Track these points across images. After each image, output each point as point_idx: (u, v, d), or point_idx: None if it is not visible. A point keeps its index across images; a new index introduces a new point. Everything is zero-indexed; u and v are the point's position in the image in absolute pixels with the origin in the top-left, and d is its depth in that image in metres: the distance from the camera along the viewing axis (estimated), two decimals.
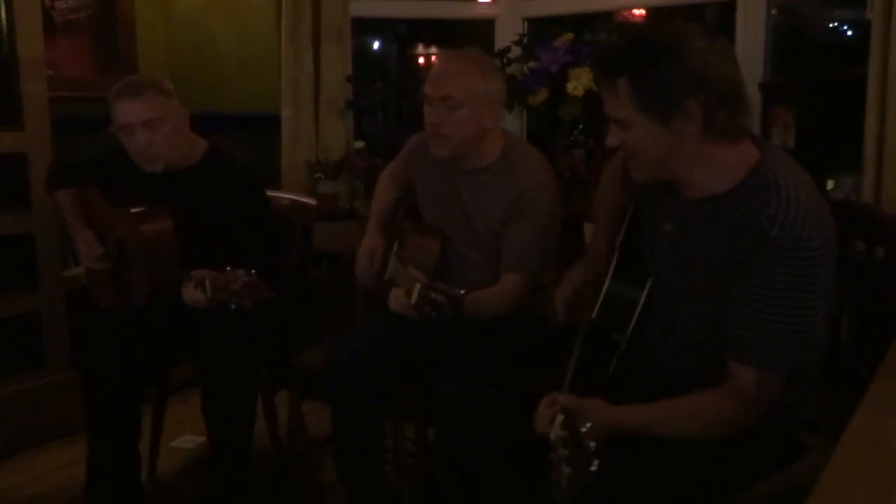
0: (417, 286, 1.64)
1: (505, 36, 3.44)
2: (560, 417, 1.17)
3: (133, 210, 2.17)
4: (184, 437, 2.78)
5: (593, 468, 1.09)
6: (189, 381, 2.41)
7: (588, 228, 2.57)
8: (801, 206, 1.29)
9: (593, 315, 1.54)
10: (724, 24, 3.03)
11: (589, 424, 1.14)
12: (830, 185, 2.62)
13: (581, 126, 3.13)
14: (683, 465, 1.36)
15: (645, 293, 1.50)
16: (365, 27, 4.14)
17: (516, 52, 3.36)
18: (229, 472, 2.21)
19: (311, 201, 2.73)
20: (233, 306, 1.91)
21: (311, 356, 2.31)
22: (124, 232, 2.21)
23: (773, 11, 2.95)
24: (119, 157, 2.24)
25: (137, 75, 2.36)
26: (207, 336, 2.19)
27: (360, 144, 3.52)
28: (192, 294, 2.03)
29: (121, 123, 2.13)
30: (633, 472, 1.34)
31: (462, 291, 1.62)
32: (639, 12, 3.27)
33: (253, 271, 1.89)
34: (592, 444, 1.11)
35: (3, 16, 2.60)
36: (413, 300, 1.64)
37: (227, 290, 1.90)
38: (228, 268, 1.91)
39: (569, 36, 3.22)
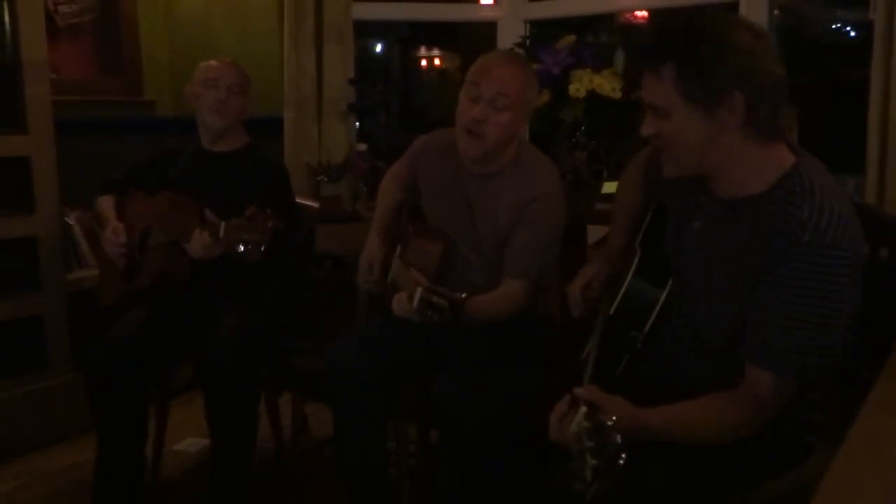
0: (419, 290, 1.64)
1: (507, 38, 3.44)
2: (583, 409, 1.15)
3: (168, 195, 2.33)
4: (186, 440, 2.78)
5: (621, 461, 1.08)
6: (191, 382, 2.41)
7: (591, 230, 2.57)
8: (833, 213, 1.28)
9: (611, 311, 1.53)
10: None
11: (614, 417, 1.13)
12: None
13: (583, 128, 3.13)
14: (687, 465, 1.35)
15: (665, 293, 1.49)
16: (367, 29, 4.15)
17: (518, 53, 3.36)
18: (232, 474, 2.21)
19: (314, 204, 2.74)
20: (241, 248, 1.94)
21: (312, 357, 2.31)
22: (153, 217, 2.31)
23: (776, 12, 2.95)
24: (160, 155, 2.47)
25: None
26: (208, 337, 2.19)
27: (362, 146, 3.52)
28: (199, 238, 2.06)
29: (210, 76, 2.40)
30: (636, 471, 1.34)
31: (463, 295, 1.62)
32: (641, 14, 3.27)
33: (268, 210, 1.97)
34: (619, 436, 1.10)
35: (7, 19, 2.61)
36: (415, 304, 1.64)
37: (239, 227, 1.95)
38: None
39: (571, 38, 3.22)
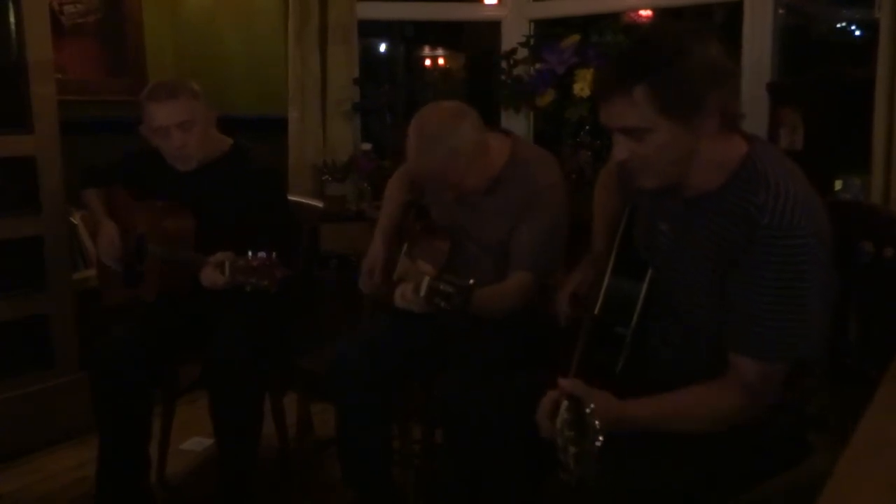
0: (426, 278, 1.64)
1: (511, 37, 3.44)
2: (565, 403, 1.17)
3: (158, 203, 2.26)
4: (192, 439, 2.79)
5: (598, 443, 1.10)
6: (196, 382, 2.42)
7: None
8: (790, 195, 1.30)
9: (595, 311, 1.53)
10: (731, 24, 3.03)
11: (593, 405, 1.15)
12: (838, 185, 2.61)
13: (588, 127, 3.13)
14: (689, 463, 1.36)
15: (645, 286, 1.51)
16: (371, 29, 4.15)
17: (523, 53, 3.36)
18: (237, 473, 2.22)
19: (319, 203, 2.73)
20: (248, 288, 1.95)
21: (317, 357, 2.31)
22: (146, 225, 2.26)
23: (781, 11, 2.95)
24: (145, 156, 2.34)
25: (168, 79, 2.38)
26: (214, 337, 2.20)
27: (366, 146, 3.53)
28: (210, 276, 2.04)
29: (156, 125, 2.19)
30: (637, 471, 1.34)
31: (472, 281, 1.61)
32: (645, 13, 3.27)
33: (273, 254, 1.95)
34: (597, 422, 1.11)
35: (13, 20, 2.61)
36: (422, 292, 1.64)
37: (246, 271, 1.94)
38: (249, 252, 1.96)
39: (575, 37, 3.22)
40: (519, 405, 1.61)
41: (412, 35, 4.81)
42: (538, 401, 1.34)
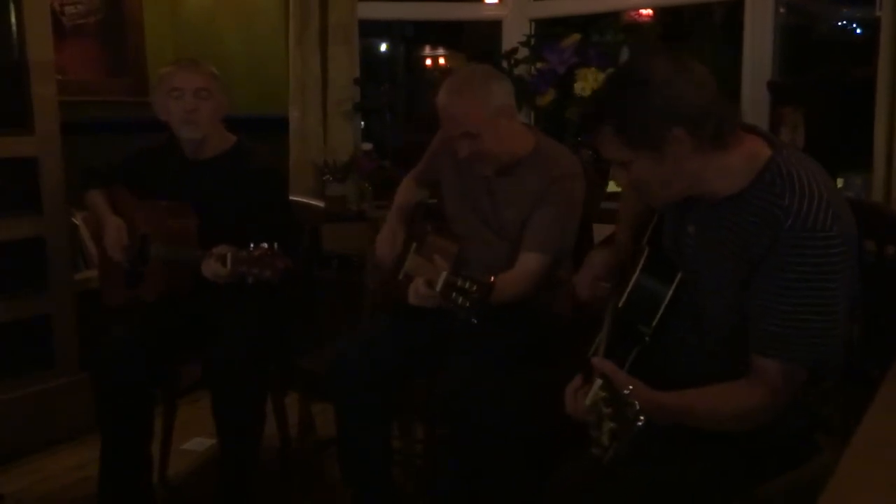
0: (443, 274, 1.63)
1: (512, 37, 3.44)
2: (599, 381, 1.16)
3: (161, 203, 2.27)
4: (193, 439, 2.79)
5: (640, 423, 1.08)
6: (197, 382, 2.42)
7: (597, 229, 2.57)
8: (815, 197, 1.29)
9: (620, 304, 1.53)
10: (732, 23, 3.03)
11: (631, 387, 1.14)
12: (840, 184, 2.61)
13: None
14: (696, 462, 1.36)
15: (672, 288, 1.50)
16: (371, 29, 4.16)
17: (523, 53, 3.37)
18: (238, 473, 2.22)
19: (320, 203, 2.73)
20: (250, 280, 1.96)
21: (317, 357, 2.31)
22: (149, 225, 2.27)
23: (782, 10, 2.94)
24: (146, 155, 2.39)
25: None
26: (215, 337, 2.20)
27: (367, 146, 3.53)
28: (212, 267, 2.04)
29: (173, 86, 2.25)
30: (647, 468, 1.34)
31: (492, 278, 1.60)
32: (645, 12, 3.27)
33: (275, 244, 1.97)
34: (637, 403, 1.10)
35: (14, 20, 2.62)
36: (438, 287, 1.63)
37: (248, 262, 1.96)
38: (251, 244, 1.97)
39: (576, 37, 3.22)
40: (520, 403, 1.61)
41: (412, 35, 4.81)
42: (539, 399, 1.33)
